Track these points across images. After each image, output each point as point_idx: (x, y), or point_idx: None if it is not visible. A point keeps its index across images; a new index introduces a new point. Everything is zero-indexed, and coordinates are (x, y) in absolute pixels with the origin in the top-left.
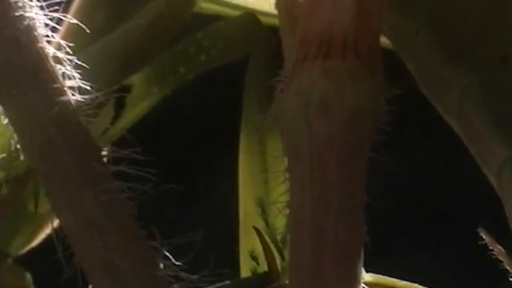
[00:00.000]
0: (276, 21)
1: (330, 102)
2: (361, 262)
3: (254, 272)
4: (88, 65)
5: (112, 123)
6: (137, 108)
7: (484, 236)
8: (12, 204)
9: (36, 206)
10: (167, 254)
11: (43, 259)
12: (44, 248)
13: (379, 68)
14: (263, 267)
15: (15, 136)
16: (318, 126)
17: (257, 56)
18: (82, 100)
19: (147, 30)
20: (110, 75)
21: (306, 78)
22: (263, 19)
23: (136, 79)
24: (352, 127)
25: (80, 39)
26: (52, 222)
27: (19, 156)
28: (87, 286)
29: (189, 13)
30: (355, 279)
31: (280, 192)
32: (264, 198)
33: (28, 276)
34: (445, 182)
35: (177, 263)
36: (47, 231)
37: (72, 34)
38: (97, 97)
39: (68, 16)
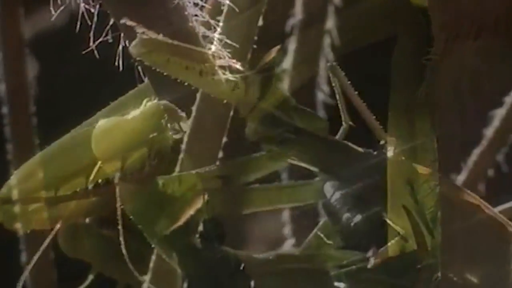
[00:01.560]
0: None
1: (481, 80)
2: None
3: (402, 251)
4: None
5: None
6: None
7: None
8: (152, 179)
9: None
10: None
11: None
12: None
13: None
14: (412, 245)
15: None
16: (470, 104)
17: (406, 34)
18: (232, 79)
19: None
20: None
21: (457, 57)
22: None
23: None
24: (503, 105)
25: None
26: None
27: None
28: None
29: None
30: (506, 259)
31: (430, 171)
32: (413, 177)
33: (175, 255)
34: None
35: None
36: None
37: (217, 13)
38: (246, 76)
39: None
